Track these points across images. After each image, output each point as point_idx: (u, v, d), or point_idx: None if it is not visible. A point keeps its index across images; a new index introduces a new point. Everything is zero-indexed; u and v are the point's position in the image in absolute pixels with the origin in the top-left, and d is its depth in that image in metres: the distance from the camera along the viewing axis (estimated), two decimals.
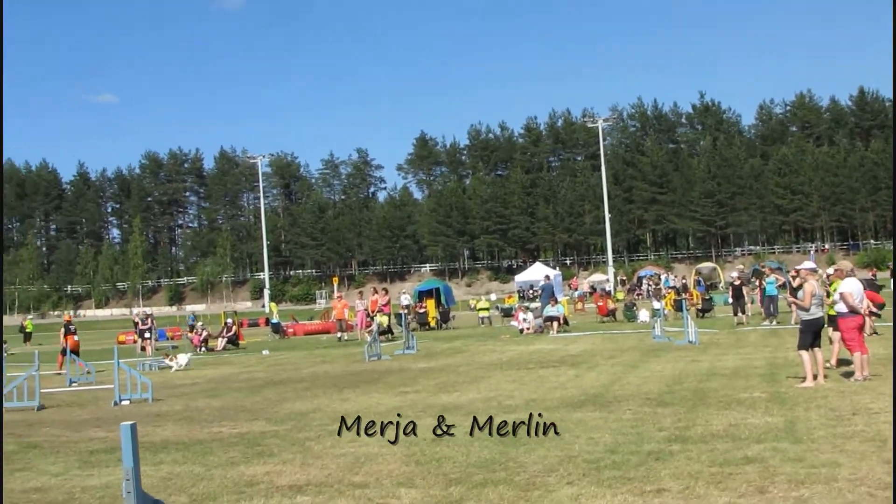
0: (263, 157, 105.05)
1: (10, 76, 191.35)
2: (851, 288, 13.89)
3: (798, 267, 14.44)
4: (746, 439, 9.33)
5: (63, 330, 26.30)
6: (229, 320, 35.60)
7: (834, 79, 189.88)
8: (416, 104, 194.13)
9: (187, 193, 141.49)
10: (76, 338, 26.31)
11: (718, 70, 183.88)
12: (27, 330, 53.13)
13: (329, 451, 10.00)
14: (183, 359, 25.11)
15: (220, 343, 33.59)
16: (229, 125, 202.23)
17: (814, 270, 14.07)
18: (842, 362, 15.31)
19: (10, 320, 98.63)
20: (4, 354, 26.09)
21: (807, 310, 13.66)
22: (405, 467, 8.85)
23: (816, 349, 13.65)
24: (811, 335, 13.60)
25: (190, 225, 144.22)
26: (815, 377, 13.35)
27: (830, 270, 16.18)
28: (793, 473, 7.59)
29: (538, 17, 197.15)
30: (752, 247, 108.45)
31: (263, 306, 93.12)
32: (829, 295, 15.05)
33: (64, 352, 25.58)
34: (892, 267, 32.25)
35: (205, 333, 34.13)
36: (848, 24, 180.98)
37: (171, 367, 24.45)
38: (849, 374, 13.92)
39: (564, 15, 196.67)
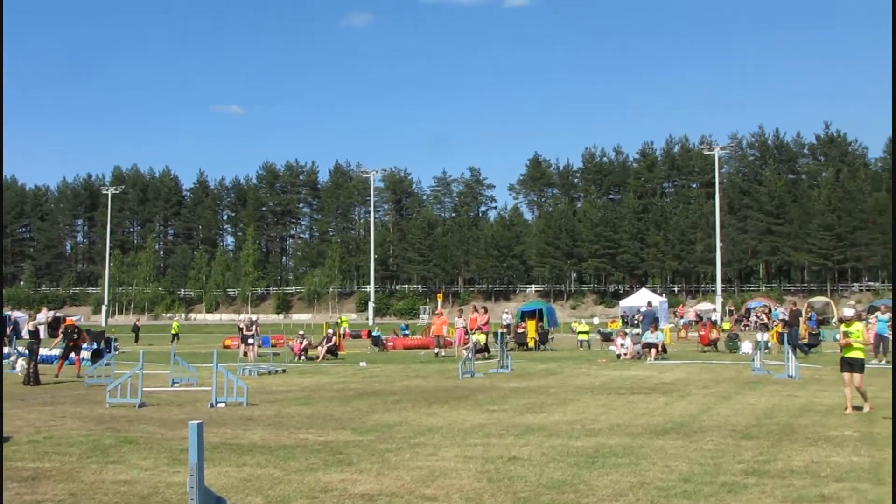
0: (377, 171, 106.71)
1: (142, 83, 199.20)
2: None
3: None
4: (826, 477, 9.17)
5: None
6: (330, 330, 36.23)
7: None
8: (531, 125, 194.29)
9: (301, 205, 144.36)
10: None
11: (846, 101, 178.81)
12: (173, 332, 55.18)
13: (406, 463, 10.19)
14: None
15: (321, 352, 34.18)
16: (345, 139, 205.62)
17: None
18: None
19: (125, 320, 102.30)
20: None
21: None
22: (477, 483, 8.97)
23: None
24: None
25: (301, 236, 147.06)
26: None
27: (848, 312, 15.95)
28: None
29: (658, 43, 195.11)
30: (871, 283, 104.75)
31: (367, 319, 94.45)
32: (847, 336, 15.04)
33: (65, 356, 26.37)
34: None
35: (305, 342, 34.79)
36: None
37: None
38: None
39: (686, 41, 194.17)
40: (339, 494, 8.44)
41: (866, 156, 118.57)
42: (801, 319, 37.83)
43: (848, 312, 15.42)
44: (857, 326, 14.96)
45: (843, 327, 15.31)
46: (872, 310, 35.73)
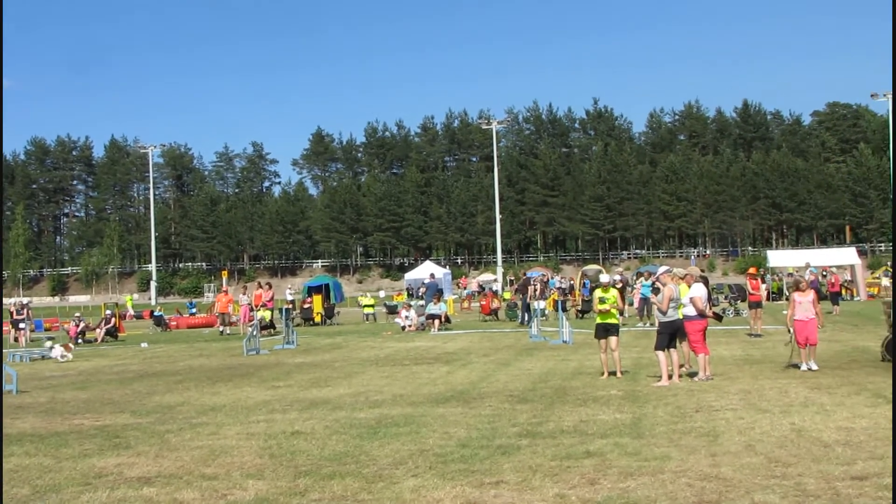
0: (155, 147, 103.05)
1: None
2: (700, 292, 14.55)
3: (657, 272, 15.10)
4: (592, 434, 9.76)
5: None
6: (109, 311, 34.90)
7: (720, 90, 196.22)
8: (313, 99, 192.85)
9: (75, 182, 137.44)
10: None
11: (612, 77, 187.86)
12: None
13: (187, 444, 10.06)
14: (56, 351, 24.60)
15: (100, 334, 32.92)
16: (121, 114, 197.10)
17: (671, 274, 14.72)
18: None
19: None
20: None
21: (664, 312, 14.27)
22: (258, 460, 8.98)
23: (672, 350, 14.29)
24: (668, 336, 14.22)
25: (77, 214, 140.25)
26: (670, 377, 13.96)
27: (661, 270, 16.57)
28: (625, 466, 8.01)
29: (436, 19, 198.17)
30: (637, 250, 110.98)
31: (150, 299, 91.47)
32: (603, 302, 15.51)
33: None
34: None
35: (83, 325, 33.39)
36: (735, 37, 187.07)
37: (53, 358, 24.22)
38: (693, 374, 14.62)
39: (462, 17, 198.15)
40: (114, 479, 8.24)
41: (631, 130, 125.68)
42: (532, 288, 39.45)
43: (604, 279, 16.23)
44: (613, 292, 15.50)
45: (598, 293, 15.75)
46: (639, 275, 37.98)
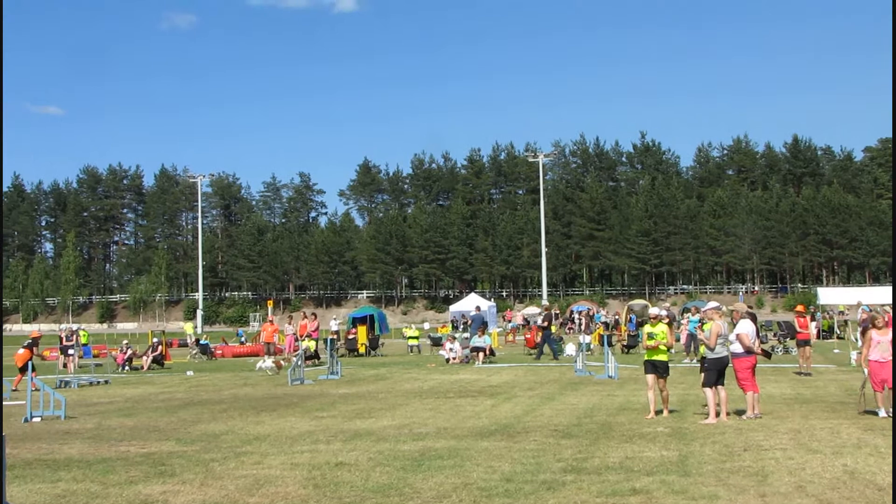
0: (204, 176, 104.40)
1: None
2: (747, 329, 14.32)
3: (704, 308, 14.86)
4: (638, 472, 9.63)
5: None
6: (156, 339, 35.25)
7: (770, 125, 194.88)
8: (360, 131, 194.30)
9: (125, 210, 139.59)
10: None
11: (660, 111, 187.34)
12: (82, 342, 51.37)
13: (231, 473, 10.08)
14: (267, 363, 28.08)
15: (146, 362, 33.22)
16: (171, 143, 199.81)
17: (719, 310, 14.52)
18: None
19: None
20: None
21: (712, 349, 14.08)
22: (302, 490, 8.98)
23: (720, 387, 14.06)
24: (715, 373, 14.01)
25: (126, 242, 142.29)
26: (717, 414, 13.75)
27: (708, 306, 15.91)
28: None
29: (484, 49, 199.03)
30: (685, 286, 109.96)
31: (196, 327, 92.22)
32: (652, 337, 14.91)
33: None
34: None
35: (130, 352, 33.73)
36: (784, 71, 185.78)
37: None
38: (741, 412, 14.34)
39: (509, 48, 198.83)
40: None
41: (678, 164, 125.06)
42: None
43: (653, 311, 15.76)
44: (662, 327, 14.95)
45: (647, 327, 15.16)
46: (685, 311, 37.61)
